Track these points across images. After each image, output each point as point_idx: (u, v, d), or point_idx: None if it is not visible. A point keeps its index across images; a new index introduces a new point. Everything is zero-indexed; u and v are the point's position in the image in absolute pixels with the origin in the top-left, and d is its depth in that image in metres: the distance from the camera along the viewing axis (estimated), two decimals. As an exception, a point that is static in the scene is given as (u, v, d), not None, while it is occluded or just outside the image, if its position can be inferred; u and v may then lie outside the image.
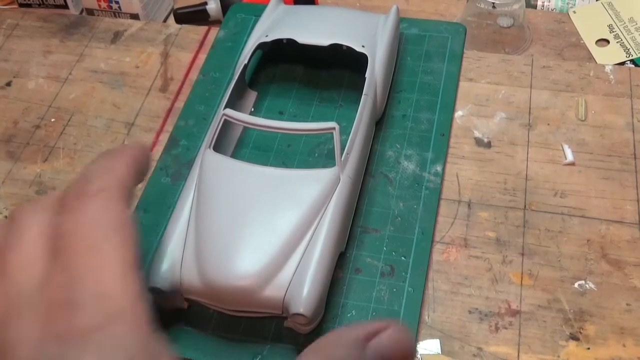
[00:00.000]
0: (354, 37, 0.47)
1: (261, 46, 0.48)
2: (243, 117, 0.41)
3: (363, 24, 0.48)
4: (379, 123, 0.47)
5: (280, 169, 0.39)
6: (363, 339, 0.28)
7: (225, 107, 0.43)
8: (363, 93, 0.44)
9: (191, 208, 0.39)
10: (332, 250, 0.37)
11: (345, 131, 0.43)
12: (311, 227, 0.37)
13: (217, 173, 0.39)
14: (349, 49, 0.46)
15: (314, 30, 0.47)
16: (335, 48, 0.46)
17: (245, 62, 0.47)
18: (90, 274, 0.26)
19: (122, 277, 0.27)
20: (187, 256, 0.37)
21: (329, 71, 0.51)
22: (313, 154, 0.46)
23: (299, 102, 0.49)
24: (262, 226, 0.37)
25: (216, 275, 0.35)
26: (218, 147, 0.41)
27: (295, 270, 0.36)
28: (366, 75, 0.45)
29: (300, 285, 0.35)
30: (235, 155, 0.45)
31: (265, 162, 0.45)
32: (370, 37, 0.47)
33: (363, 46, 0.46)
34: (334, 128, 0.39)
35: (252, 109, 0.49)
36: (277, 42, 0.48)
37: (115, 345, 0.25)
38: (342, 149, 0.40)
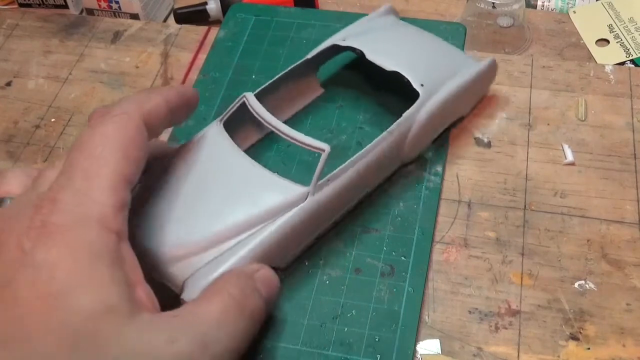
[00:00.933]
0: (420, 72, 0.44)
1: (335, 48, 0.47)
2: (256, 105, 0.41)
3: (446, 62, 0.46)
4: (378, 123, 0.47)
5: (259, 167, 0.39)
6: (251, 274, 0.34)
7: (264, 94, 0.43)
8: (387, 130, 0.41)
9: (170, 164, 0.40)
10: (255, 259, 0.36)
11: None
12: (250, 230, 0.36)
13: (207, 144, 0.40)
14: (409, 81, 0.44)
15: (387, 51, 0.45)
16: (398, 75, 0.44)
17: (309, 56, 0.47)
18: (82, 179, 0.29)
19: (111, 187, 0.29)
20: (137, 204, 0.37)
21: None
22: (313, 154, 0.46)
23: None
24: (207, 208, 0.37)
25: (143, 231, 0.36)
26: (234, 128, 0.42)
27: (211, 262, 0.35)
28: (403, 114, 0.42)
29: (204, 277, 0.35)
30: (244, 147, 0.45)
31: (266, 156, 0.45)
32: (440, 78, 0.44)
33: (422, 85, 0.43)
34: (324, 150, 0.38)
35: (308, 102, 0.49)
36: (353, 50, 0.47)
37: (82, 246, 0.27)
38: (327, 173, 0.38)
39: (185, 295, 0.34)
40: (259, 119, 0.40)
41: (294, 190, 0.38)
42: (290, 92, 0.48)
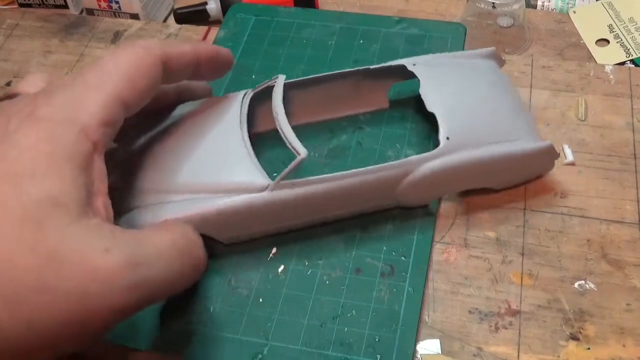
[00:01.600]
0: (457, 125, 0.41)
1: (402, 69, 0.45)
2: (278, 88, 0.42)
3: (498, 127, 0.41)
4: (378, 123, 0.47)
5: (245, 145, 0.40)
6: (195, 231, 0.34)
7: (307, 85, 0.44)
8: (382, 163, 0.39)
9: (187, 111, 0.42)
10: (193, 220, 0.37)
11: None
12: (201, 194, 0.38)
13: (226, 105, 0.42)
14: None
15: (443, 91, 0.43)
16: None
17: (371, 67, 0.45)
18: (81, 87, 0.32)
19: (104, 102, 0.32)
20: (153, 137, 0.41)
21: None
22: (313, 153, 0.46)
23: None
24: (180, 158, 0.39)
25: (135, 157, 0.40)
26: (267, 106, 0.43)
27: (154, 205, 0.38)
28: (408, 157, 0.39)
29: (139, 214, 0.37)
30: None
31: (271, 151, 0.45)
32: (475, 140, 0.40)
33: (448, 138, 0.40)
34: (300, 154, 0.38)
35: (366, 111, 0.48)
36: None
37: (57, 141, 0.29)
38: (299, 177, 0.38)
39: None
40: (272, 100, 0.41)
41: (257, 178, 0.38)
42: (343, 94, 0.47)
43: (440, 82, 0.43)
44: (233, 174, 0.38)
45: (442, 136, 0.40)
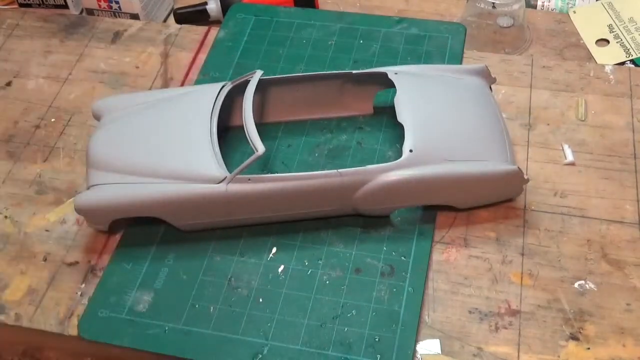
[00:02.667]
0: (423, 139, 0.40)
1: (386, 76, 0.45)
2: (253, 83, 0.43)
3: (470, 146, 0.41)
4: (378, 123, 0.47)
5: (211, 136, 0.41)
6: None
7: (287, 83, 0.45)
8: (340, 170, 0.39)
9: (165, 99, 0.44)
10: (149, 205, 0.40)
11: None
12: (161, 179, 0.40)
13: (205, 94, 0.43)
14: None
15: (417, 104, 0.42)
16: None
17: (356, 71, 0.45)
18: None
19: None
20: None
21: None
22: (313, 153, 0.46)
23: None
24: (149, 140, 0.42)
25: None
26: (237, 97, 0.44)
27: (110, 184, 0.40)
28: (366, 166, 0.39)
29: (94, 191, 0.40)
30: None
31: (269, 158, 0.45)
32: (440, 156, 0.40)
33: (411, 150, 0.40)
34: (257, 150, 0.39)
35: (350, 115, 0.48)
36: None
37: None
38: (258, 173, 0.39)
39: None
40: (244, 94, 0.42)
41: (214, 170, 0.39)
42: (326, 96, 0.47)
43: (417, 94, 0.43)
44: (193, 164, 0.40)
45: (405, 148, 0.40)
